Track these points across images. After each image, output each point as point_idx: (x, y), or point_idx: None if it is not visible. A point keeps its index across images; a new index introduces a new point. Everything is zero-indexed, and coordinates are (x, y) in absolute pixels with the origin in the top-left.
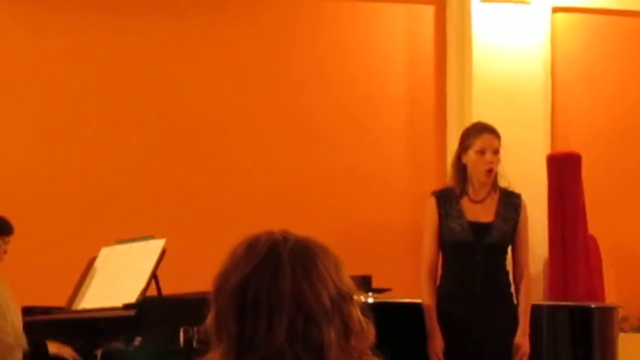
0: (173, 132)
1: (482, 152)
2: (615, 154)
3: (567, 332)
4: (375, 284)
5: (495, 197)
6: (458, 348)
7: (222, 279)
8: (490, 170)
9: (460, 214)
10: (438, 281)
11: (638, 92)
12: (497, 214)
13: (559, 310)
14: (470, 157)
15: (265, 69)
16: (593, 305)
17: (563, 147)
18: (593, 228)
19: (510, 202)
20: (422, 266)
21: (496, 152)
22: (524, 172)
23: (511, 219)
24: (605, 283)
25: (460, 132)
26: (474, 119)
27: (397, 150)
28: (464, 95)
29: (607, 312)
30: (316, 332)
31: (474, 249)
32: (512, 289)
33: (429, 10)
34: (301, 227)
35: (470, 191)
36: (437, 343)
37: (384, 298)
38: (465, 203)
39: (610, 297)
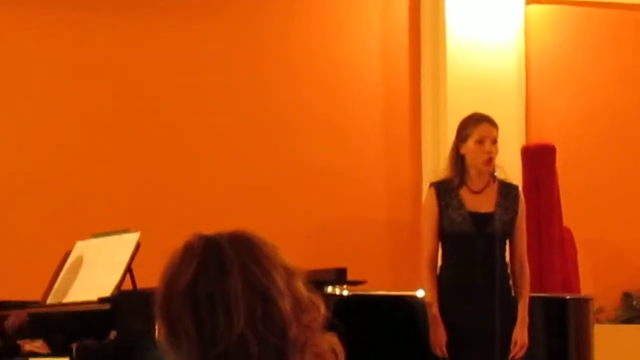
0: (146, 128)
1: (481, 141)
2: (589, 146)
3: (542, 323)
4: (350, 277)
5: (494, 187)
6: (458, 339)
7: (168, 287)
8: (490, 160)
9: (461, 205)
10: (438, 272)
11: (612, 84)
12: (497, 204)
13: (534, 301)
14: (469, 147)
15: (237, 66)
16: (568, 297)
17: (537, 139)
18: (568, 220)
19: (509, 193)
20: (422, 258)
21: (495, 141)
22: (499, 164)
23: (511, 210)
24: (581, 274)
25: (434, 127)
26: (449, 113)
27: (371, 146)
28: (438, 89)
29: (582, 304)
30: (274, 309)
31: (475, 240)
32: (511, 281)
33: (403, 4)
34: (277, 223)
35: (469, 182)
36: (440, 335)
37: (359, 290)
38: (464, 194)
39: (586, 289)
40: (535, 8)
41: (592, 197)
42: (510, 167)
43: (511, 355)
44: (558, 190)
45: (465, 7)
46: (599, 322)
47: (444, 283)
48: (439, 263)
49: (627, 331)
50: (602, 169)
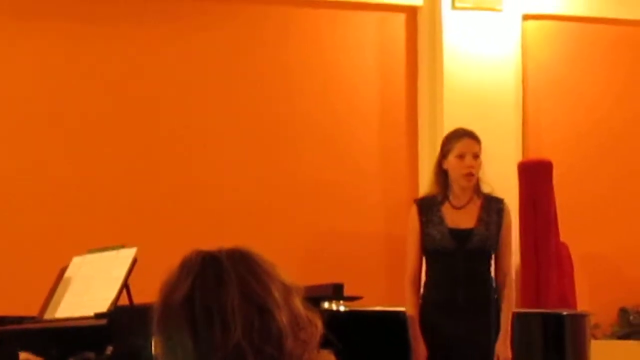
0: (144, 143)
1: (461, 156)
2: (586, 162)
3: (540, 339)
4: (347, 292)
5: (478, 202)
6: (441, 356)
7: (165, 302)
8: (470, 174)
9: (441, 221)
10: (422, 288)
11: (609, 100)
12: (479, 219)
13: (531, 318)
14: (451, 162)
15: (234, 79)
16: (565, 313)
17: (534, 155)
18: (565, 235)
19: (493, 207)
20: (405, 275)
21: (476, 156)
22: (496, 180)
23: (493, 224)
24: (577, 290)
25: (432, 141)
26: (446, 127)
27: (369, 160)
28: (435, 104)
29: (579, 320)
30: (271, 321)
31: (456, 256)
32: (496, 295)
33: (400, 19)
34: (274, 238)
35: (451, 197)
36: (420, 352)
37: (356, 306)
38: (446, 209)
39: (582, 305)
40: (532, 24)
41: (589, 213)
42: (506, 182)
43: None
44: (555, 206)
45: (462, 22)
46: (595, 337)
47: (427, 299)
48: (423, 279)
49: (623, 347)
50: (599, 184)
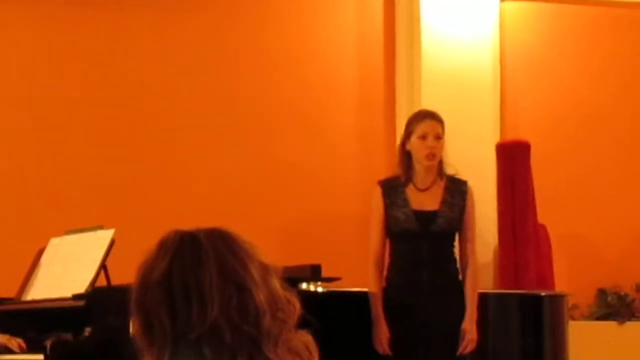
0: (122, 125)
1: (423, 137)
2: (564, 143)
3: (518, 320)
4: (325, 274)
5: (442, 184)
6: (405, 337)
7: (143, 280)
8: (431, 155)
9: (406, 203)
10: (385, 270)
11: (587, 81)
12: (443, 201)
13: (509, 298)
14: (413, 143)
15: (212, 62)
16: (543, 293)
17: (512, 136)
18: (543, 216)
19: (457, 189)
20: (369, 256)
21: (438, 137)
22: (474, 161)
23: (457, 206)
24: (556, 271)
25: None
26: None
27: (346, 141)
28: (413, 85)
29: (557, 300)
30: (249, 299)
31: (420, 238)
32: (460, 277)
33: (378, 1)
34: (252, 219)
35: (415, 179)
36: (382, 332)
37: (334, 287)
38: (410, 191)
39: (561, 285)
40: (510, 5)
41: (567, 194)
42: (484, 163)
43: (460, 349)
44: (532, 187)
45: (440, 3)
46: (573, 318)
47: (391, 281)
48: (387, 261)
49: (601, 328)
50: (577, 165)
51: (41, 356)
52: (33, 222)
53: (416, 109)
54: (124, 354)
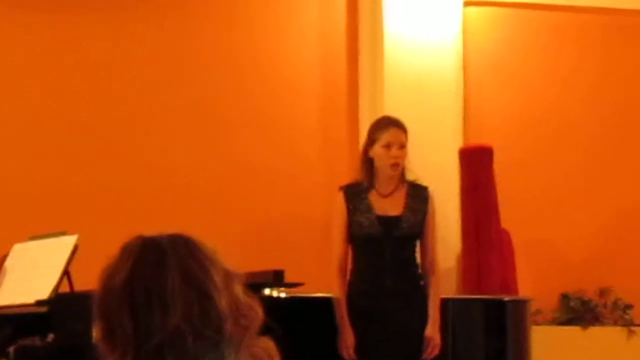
0: (85, 128)
1: (388, 146)
2: (528, 148)
3: (481, 325)
4: (288, 279)
5: (403, 190)
6: (369, 342)
7: (105, 285)
8: (395, 165)
9: (369, 208)
10: (349, 276)
11: (551, 86)
12: (406, 206)
13: (473, 304)
14: (377, 151)
15: (176, 63)
16: (506, 299)
17: (475, 141)
18: (506, 222)
19: (418, 195)
20: (332, 261)
21: (402, 146)
22: (437, 166)
23: (419, 212)
24: (519, 276)
25: None
26: (386, 113)
27: (309, 145)
28: (376, 89)
29: (520, 305)
30: (211, 305)
31: (383, 243)
32: (423, 282)
33: (341, 3)
34: (214, 223)
35: (377, 185)
36: (348, 338)
37: (297, 292)
38: (373, 197)
39: (524, 290)
40: (473, 10)
41: (531, 199)
42: (447, 168)
43: (425, 355)
44: (496, 192)
45: (403, 7)
46: (536, 323)
47: (354, 286)
48: (350, 266)
49: (564, 333)
50: (541, 171)
51: None
52: None
53: (379, 113)
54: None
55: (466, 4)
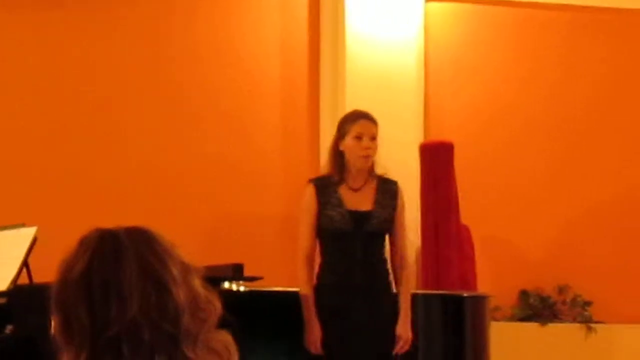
0: (46, 118)
1: (359, 137)
2: (488, 145)
3: (439, 320)
4: (247, 273)
5: (373, 184)
6: (336, 337)
7: (63, 278)
8: (367, 156)
9: (340, 203)
10: (316, 270)
11: (512, 83)
12: (376, 201)
13: (431, 299)
14: (348, 143)
15: (139, 57)
16: (465, 294)
17: (436, 137)
18: (466, 218)
19: (388, 189)
20: (298, 255)
21: (373, 138)
22: (397, 161)
23: (389, 207)
24: (478, 272)
25: (333, 122)
26: (348, 108)
27: (270, 140)
28: (337, 86)
29: (479, 301)
30: (169, 297)
31: (354, 238)
32: (391, 277)
33: (303, 0)
34: (174, 216)
35: (348, 179)
36: (315, 333)
37: (256, 286)
38: (343, 191)
39: (483, 287)
40: (434, 6)
41: (491, 196)
42: (408, 163)
43: (396, 349)
44: (456, 188)
45: (364, 4)
46: (495, 320)
47: (322, 281)
48: (317, 260)
49: (523, 329)
50: (501, 167)
51: None
52: None
53: (340, 109)
54: (45, 352)
55: (428, 0)
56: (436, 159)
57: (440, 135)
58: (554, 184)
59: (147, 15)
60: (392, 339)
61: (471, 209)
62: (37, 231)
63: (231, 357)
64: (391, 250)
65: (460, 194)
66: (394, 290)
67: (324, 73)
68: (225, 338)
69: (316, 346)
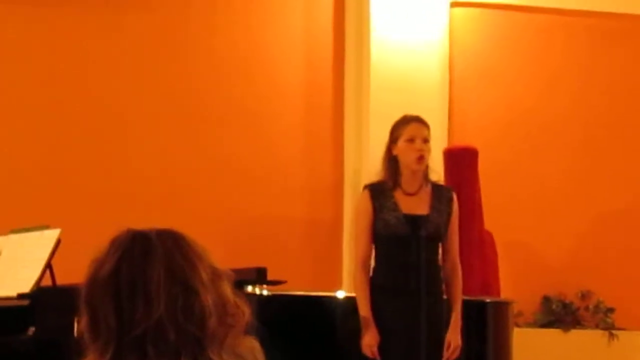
0: (68, 122)
1: (411, 140)
2: (512, 150)
3: (462, 326)
4: (270, 277)
5: (428, 190)
6: (390, 342)
7: (92, 276)
8: (420, 157)
9: (395, 207)
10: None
11: (536, 88)
12: (432, 206)
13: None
14: (400, 147)
15: (161, 62)
16: (488, 300)
17: (460, 142)
18: (489, 223)
19: (443, 195)
20: (356, 260)
21: (426, 140)
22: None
23: (444, 212)
24: (501, 278)
25: (357, 126)
26: (371, 113)
27: (294, 144)
28: (361, 89)
29: (502, 307)
30: (196, 300)
31: (409, 242)
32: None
33: (328, 3)
34: (197, 219)
35: (402, 184)
36: (372, 336)
37: (279, 290)
38: (399, 196)
39: (506, 292)
40: (459, 11)
41: (514, 201)
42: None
43: (445, 356)
44: (479, 193)
45: (389, 8)
46: (517, 325)
47: (377, 285)
48: (372, 265)
49: (545, 335)
50: (525, 173)
51: None
52: None
53: (364, 114)
54: (67, 354)
55: (452, 5)
56: (460, 164)
57: (464, 139)
58: (577, 189)
59: (167, 18)
60: (442, 345)
61: (494, 214)
62: (61, 233)
63: None
64: (443, 257)
65: (483, 199)
66: (445, 297)
67: (349, 77)
68: (252, 344)
69: (373, 350)
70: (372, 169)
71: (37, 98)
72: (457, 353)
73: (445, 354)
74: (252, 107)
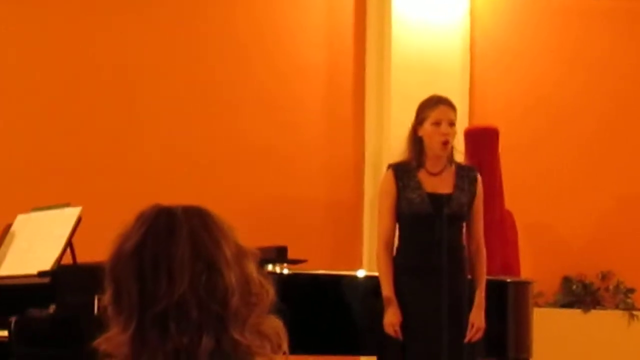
0: (90, 102)
1: (437, 123)
2: (533, 131)
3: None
4: (291, 256)
5: (452, 170)
6: (412, 321)
7: (117, 250)
8: (445, 142)
9: (419, 186)
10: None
11: (558, 69)
12: (455, 185)
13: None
14: (426, 129)
15: (182, 43)
16: (508, 280)
17: (481, 122)
18: (510, 203)
19: (467, 175)
20: (379, 239)
21: (452, 124)
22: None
23: (468, 192)
24: (521, 258)
25: (378, 107)
26: (393, 93)
27: (315, 125)
28: (382, 69)
29: (522, 287)
30: (219, 278)
31: (433, 221)
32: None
33: None
34: (218, 199)
35: (427, 164)
36: (395, 315)
37: (300, 269)
38: (422, 175)
39: (526, 273)
40: None
41: (535, 181)
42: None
43: (467, 338)
44: (500, 173)
45: None
46: (538, 305)
47: (400, 264)
48: (396, 244)
49: (566, 315)
50: (545, 153)
51: (5, 332)
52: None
53: (385, 95)
54: (87, 332)
55: None
56: (481, 144)
57: (485, 119)
58: (597, 169)
59: (188, 2)
60: (465, 325)
61: (515, 195)
62: (82, 211)
63: (282, 342)
64: (467, 236)
65: (504, 180)
66: (469, 277)
67: (370, 57)
68: (276, 324)
69: (395, 329)
70: (393, 149)
71: (60, 75)
72: (480, 334)
73: (468, 335)
74: (273, 88)
